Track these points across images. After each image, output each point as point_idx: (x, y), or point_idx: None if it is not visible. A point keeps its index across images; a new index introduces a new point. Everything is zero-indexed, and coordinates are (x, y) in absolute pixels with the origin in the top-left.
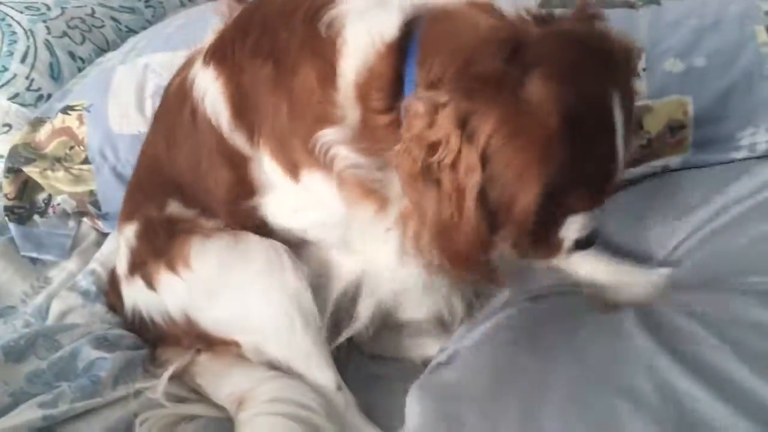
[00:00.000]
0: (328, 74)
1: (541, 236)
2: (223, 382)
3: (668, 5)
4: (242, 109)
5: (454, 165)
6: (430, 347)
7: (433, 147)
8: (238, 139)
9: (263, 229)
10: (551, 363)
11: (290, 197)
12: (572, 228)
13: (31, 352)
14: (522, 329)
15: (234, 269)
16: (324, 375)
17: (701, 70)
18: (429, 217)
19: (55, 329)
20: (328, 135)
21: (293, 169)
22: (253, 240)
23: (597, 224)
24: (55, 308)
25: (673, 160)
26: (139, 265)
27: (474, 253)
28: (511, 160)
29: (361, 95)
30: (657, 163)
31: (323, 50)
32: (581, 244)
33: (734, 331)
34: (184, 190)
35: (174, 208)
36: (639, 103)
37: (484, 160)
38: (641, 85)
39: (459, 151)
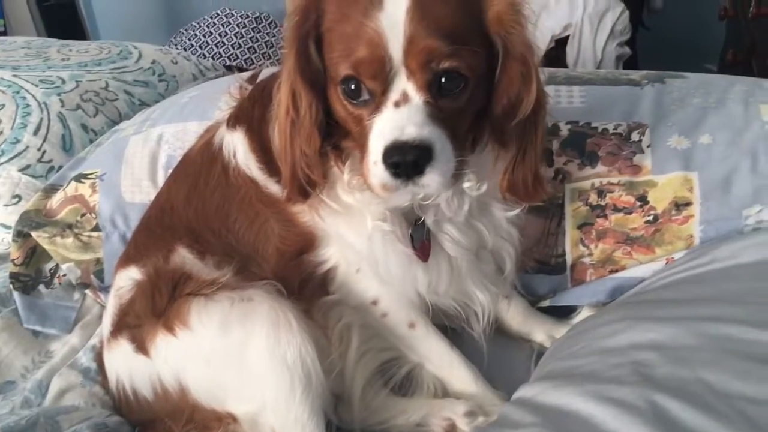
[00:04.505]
0: None
1: (359, 141)
2: None
3: (672, 83)
4: (270, 157)
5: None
6: (455, 409)
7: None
8: (273, 187)
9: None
10: None
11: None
12: (377, 134)
13: None
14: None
15: (235, 328)
16: None
17: (706, 148)
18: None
19: (57, 411)
20: None
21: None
22: (257, 298)
23: (408, 139)
24: (55, 386)
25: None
26: (129, 326)
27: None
28: None
29: None
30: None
31: None
32: (389, 154)
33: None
34: (200, 237)
35: (182, 255)
36: (643, 178)
37: None
38: (646, 160)
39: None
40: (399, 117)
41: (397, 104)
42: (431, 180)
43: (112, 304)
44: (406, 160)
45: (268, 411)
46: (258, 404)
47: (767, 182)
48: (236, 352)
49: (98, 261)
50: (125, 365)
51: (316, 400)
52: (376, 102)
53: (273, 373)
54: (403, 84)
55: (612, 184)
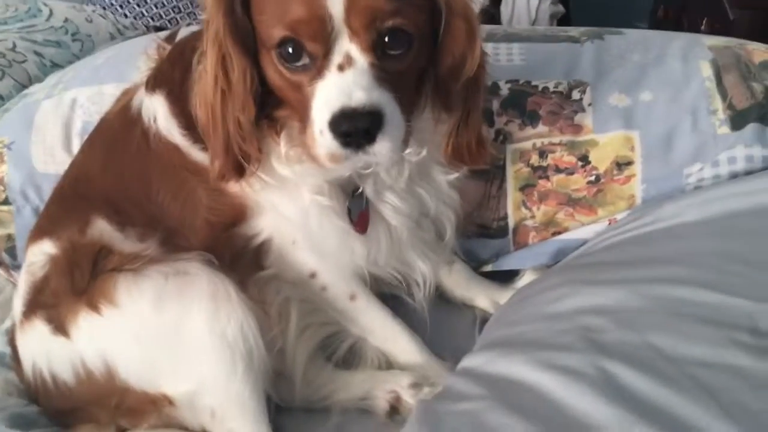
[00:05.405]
0: None
1: (297, 109)
2: None
3: (611, 40)
4: (194, 123)
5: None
6: (400, 380)
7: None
8: (198, 154)
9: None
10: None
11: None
12: (322, 101)
13: None
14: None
15: (170, 304)
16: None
17: (647, 105)
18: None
19: None
20: None
21: None
22: (193, 270)
23: (358, 105)
24: None
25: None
26: (44, 305)
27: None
28: None
29: None
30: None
31: None
32: (338, 123)
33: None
34: (119, 208)
35: (100, 227)
36: (584, 138)
37: None
38: (587, 119)
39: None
40: (344, 81)
41: (341, 68)
42: (382, 147)
43: (23, 281)
44: (356, 128)
45: (207, 390)
46: (196, 383)
47: (708, 140)
48: (172, 328)
49: (9, 237)
50: (42, 348)
51: (258, 377)
52: (318, 66)
53: (212, 349)
54: (346, 45)
55: (553, 144)
